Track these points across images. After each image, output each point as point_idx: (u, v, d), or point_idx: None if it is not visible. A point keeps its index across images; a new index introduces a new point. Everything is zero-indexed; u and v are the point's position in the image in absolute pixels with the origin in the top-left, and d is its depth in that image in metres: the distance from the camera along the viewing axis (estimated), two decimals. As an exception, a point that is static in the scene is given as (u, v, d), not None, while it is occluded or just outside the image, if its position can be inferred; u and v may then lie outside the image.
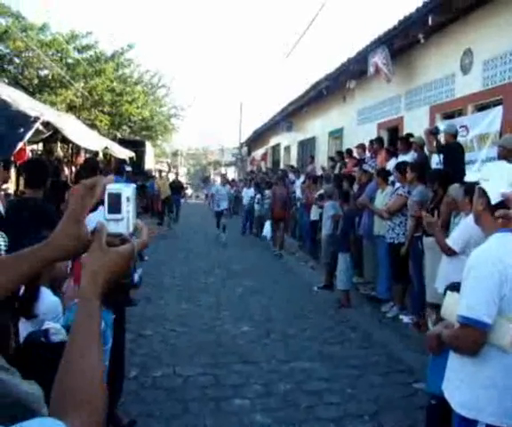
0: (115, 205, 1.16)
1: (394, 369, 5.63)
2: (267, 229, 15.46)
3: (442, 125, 8.22)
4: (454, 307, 2.42)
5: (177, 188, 20.73)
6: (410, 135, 9.29)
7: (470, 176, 6.61)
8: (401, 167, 7.74)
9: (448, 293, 2.67)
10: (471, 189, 4.65)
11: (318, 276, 10.08)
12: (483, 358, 2.27)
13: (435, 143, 7.52)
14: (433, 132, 7.63)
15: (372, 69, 10.54)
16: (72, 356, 0.98)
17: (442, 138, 7.70)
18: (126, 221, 1.16)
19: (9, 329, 2.02)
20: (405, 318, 7.15)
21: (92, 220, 1.18)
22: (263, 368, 5.59)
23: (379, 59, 10.09)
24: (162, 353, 5.97)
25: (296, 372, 5.51)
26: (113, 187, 1.16)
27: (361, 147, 11.72)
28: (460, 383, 2.38)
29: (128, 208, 1.16)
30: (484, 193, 2.39)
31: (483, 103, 8.43)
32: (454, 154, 7.28)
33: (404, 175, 7.49)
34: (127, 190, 1.16)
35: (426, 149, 8.32)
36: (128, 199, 1.16)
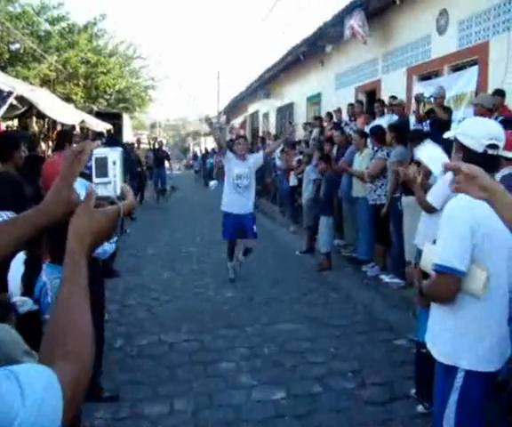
0: (102, 168, 1.19)
1: (375, 328, 5.75)
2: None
3: (429, 90, 8.20)
4: (430, 258, 2.49)
5: (161, 158, 18.07)
6: (392, 97, 9.30)
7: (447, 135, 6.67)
8: (376, 131, 7.78)
9: (426, 244, 2.74)
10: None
11: (299, 240, 10.16)
12: (459, 306, 2.37)
13: (421, 110, 7.59)
14: (418, 98, 7.67)
15: (348, 33, 10.51)
16: (60, 309, 1.01)
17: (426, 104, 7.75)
18: (113, 184, 1.19)
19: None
20: (386, 278, 7.27)
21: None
22: (248, 332, 5.67)
23: (355, 21, 10.06)
24: (146, 322, 6.01)
25: (280, 334, 5.60)
26: (99, 151, 1.19)
27: (338, 111, 11.75)
28: (440, 333, 2.49)
29: (115, 172, 1.19)
30: (461, 147, 2.45)
31: (458, 64, 8.49)
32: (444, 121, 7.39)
33: (379, 139, 7.54)
34: (113, 154, 1.20)
35: (411, 114, 8.41)
36: (114, 163, 1.19)
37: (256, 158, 7.95)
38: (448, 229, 2.36)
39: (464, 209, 2.31)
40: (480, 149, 2.32)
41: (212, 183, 20.55)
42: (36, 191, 4.57)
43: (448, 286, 2.35)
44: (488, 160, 2.30)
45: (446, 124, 7.39)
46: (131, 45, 25.82)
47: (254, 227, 7.70)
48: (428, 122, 7.67)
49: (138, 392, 4.27)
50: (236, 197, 7.69)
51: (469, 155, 2.35)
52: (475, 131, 2.40)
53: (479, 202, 2.29)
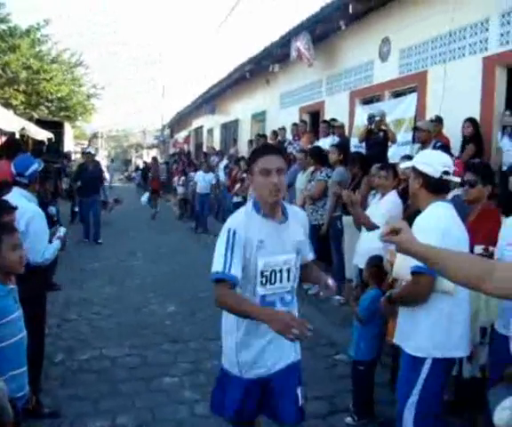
0: None
1: (317, 343, 5.85)
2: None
3: (373, 111, 8.48)
4: (404, 264, 2.82)
5: (92, 180, 12.03)
6: (333, 120, 9.60)
7: (404, 165, 6.98)
8: (315, 152, 7.98)
9: (398, 255, 2.99)
10: (391, 168, 5.30)
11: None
12: (430, 303, 2.75)
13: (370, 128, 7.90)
14: (371, 119, 7.97)
15: (294, 54, 10.76)
16: None
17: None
18: None
19: None
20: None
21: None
22: (191, 347, 5.69)
23: (301, 44, 10.32)
24: (88, 336, 5.91)
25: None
26: None
27: (283, 129, 11.97)
28: (412, 330, 2.84)
29: None
30: (419, 174, 2.90)
31: (399, 90, 8.87)
32: (381, 141, 7.72)
33: (318, 160, 7.75)
34: None
35: (353, 136, 8.72)
36: None
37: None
38: (423, 235, 2.56)
39: (434, 218, 2.77)
40: (437, 175, 2.85)
41: (144, 198, 19.75)
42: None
43: (425, 286, 2.72)
44: (443, 184, 2.89)
45: (383, 146, 7.73)
46: (75, 53, 25.40)
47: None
48: (363, 144, 8.00)
49: (79, 408, 4.20)
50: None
51: (428, 180, 2.88)
52: (432, 160, 2.92)
53: (444, 214, 2.81)
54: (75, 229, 12.27)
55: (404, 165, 3.36)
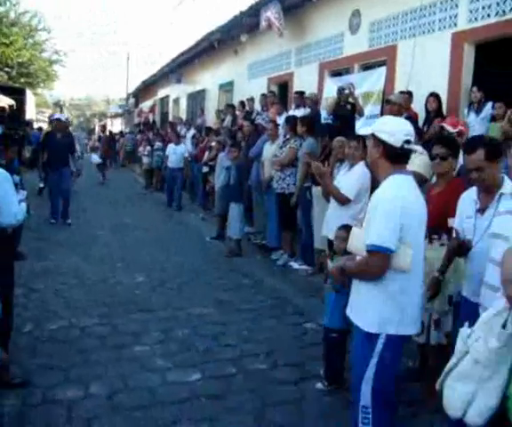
0: None
1: (285, 312, 5.96)
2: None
3: (342, 84, 8.49)
4: (360, 240, 2.78)
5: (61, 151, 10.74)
6: (302, 93, 9.60)
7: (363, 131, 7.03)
8: (291, 120, 8.00)
9: (354, 229, 3.03)
10: (361, 139, 5.14)
11: (210, 226, 10.25)
12: (384, 280, 2.70)
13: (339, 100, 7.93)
14: (340, 91, 7.97)
15: (264, 24, 10.68)
16: None
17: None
18: None
19: None
20: (295, 265, 7.54)
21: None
22: (160, 316, 5.68)
23: (271, 13, 10.24)
24: (56, 306, 5.84)
25: (192, 318, 5.66)
26: None
27: (251, 100, 11.91)
28: (366, 305, 2.80)
29: None
30: (380, 142, 2.78)
31: (368, 63, 8.91)
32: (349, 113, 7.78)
33: (294, 128, 7.76)
34: None
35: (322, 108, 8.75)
36: None
37: None
38: (380, 213, 2.66)
39: (393, 195, 2.68)
40: (398, 144, 2.73)
41: (94, 157, 19.76)
42: None
43: (381, 264, 2.67)
44: (404, 153, 2.77)
45: (350, 119, 7.79)
46: (35, 15, 24.57)
47: None
48: (331, 116, 8.05)
49: (50, 377, 4.16)
50: None
51: (388, 149, 2.75)
52: (393, 128, 2.78)
53: (404, 189, 2.71)
54: (41, 205, 11.45)
55: (362, 130, 3.16)
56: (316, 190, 6.61)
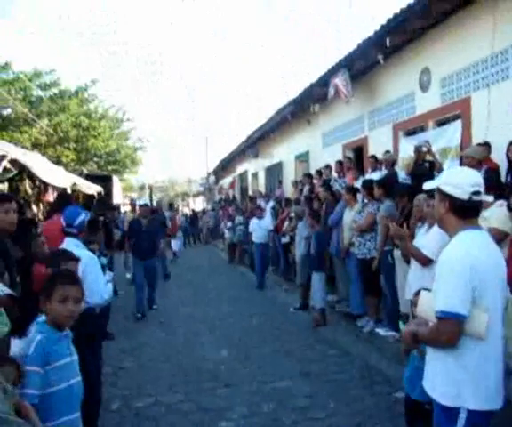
0: None
1: (374, 381, 5.72)
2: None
3: (418, 142, 8.36)
4: (429, 305, 2.57)
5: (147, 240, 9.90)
6: (387, 152, 9.52)
7: (428, 185, 6.82)
8: (367, 184, 7.93)
9: (422, 292, 2.82)
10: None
11: (293, 297, 10.16)
12: (460, 348, 2.44)
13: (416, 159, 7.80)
14: (418, 149, 7.85)
15: (332, 91, 10.83)
16: None
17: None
18: None
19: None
20: (381, 331, 7.27)
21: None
22: (245, 390, 5.62)
23: (339, 80, 10.39)
24: (143, 383, 5.94)
25: (278, 391, 5.55)
26: None
27: (327, 168, 11.96)
28: (441, 375, 2.53)
29: None
30: (445, 196, 2.60)
31: (442, 118, 8.75)
32: (427, 171, 7.60)
33: (371, 192, 7.67)
34: None
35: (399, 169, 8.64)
36: None
37: None
38: (447, 274, 2.45)
39: (461, 254, 2.44)
40: (465, 197, 2.52)
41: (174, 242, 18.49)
42: (25, 253, 4.60)
43: (452, 331, 2.42)
44: (472, 206, 2.55)
45: (429, 177, 7.58)
46: (120, 109, 26.37)
47: None
48: (409, 176, 7.88)
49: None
50: None
51: (455, 202, 2.55)
52: (459, 180, 2.59)
53: (474, 246, 2.47)
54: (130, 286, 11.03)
55: (427, 185, 2.89)
56: (398, 253, 6.41)
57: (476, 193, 2.53)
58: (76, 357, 2.95)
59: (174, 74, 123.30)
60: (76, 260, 3.79)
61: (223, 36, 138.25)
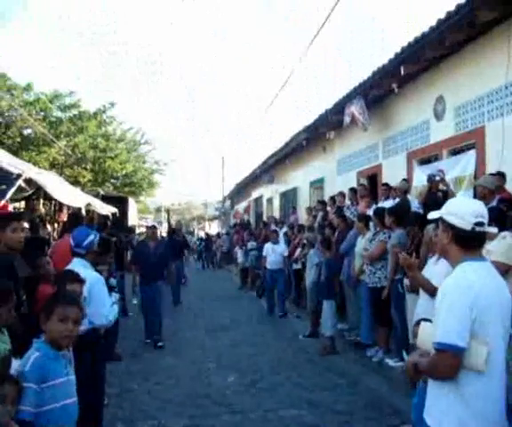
0: None
1: (382, 413, 5.61)
2: None
3: (432, 171, 8.30)
4: (429, 336, 2.52)
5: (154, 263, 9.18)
6: (405, 180, 9.46)
7: (431, 215, 6.74)
8: (379, 213, 7.88)
9: (422, 323, 2.77)
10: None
11: (304, 324, 10.07)
12: (460, 381, 2.37)
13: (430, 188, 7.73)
14: (431, 179, 7.78)
15: (348, 119, 10.84)
16: None
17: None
18: None
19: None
20: (390, 362, 7.15)
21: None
22: (251, 418, 5.55)
23: (355, 108, 10.40)
24: (148, 407, 5.90)
25: (284, 420, 5.47)
26: None
27: (341, 195, 11.92)
28: (441, 409, 2.46)
29: None
30: (448, 226, 2.57)
31: (457, 147, 8.70)
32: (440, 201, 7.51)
33: (383, 221, 7.62)
34: None
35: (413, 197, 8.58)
36: None
37: None
38: (446, 306, 2.39)
39: (461, 285, 2.40)
40: (468, 227, 2.48)
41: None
42: (35, 272, 4.63)
43: (450, 363, 2.36)
44: (475, 237, 2.51)
45: (442, 206, 7.49)
46: (138, 131, 26.71)
47: None
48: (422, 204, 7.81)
49: None
50: None
51: (458, 233, 2.52)
52: (462, 210, 2.55)
53: (475, 278, 2.41)
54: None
55: (431, 215, 2.82)
56: (408, 282, 6.33)
57: (480, 224, 2.49)
58: (73, 377, 2.94)
59: (174, 74, 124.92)
60: (81, 281, 3.80)
61: (223, 36, 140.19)
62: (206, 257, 28.81)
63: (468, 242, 2.52)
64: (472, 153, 8.07)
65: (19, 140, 19.54)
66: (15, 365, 2.87)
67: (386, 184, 9.74)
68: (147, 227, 10.57)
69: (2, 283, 3.28)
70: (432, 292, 5.03)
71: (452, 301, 2.38)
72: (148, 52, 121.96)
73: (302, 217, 15.89)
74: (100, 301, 4.27)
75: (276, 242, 12.44)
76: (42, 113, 20.12)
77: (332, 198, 12.57)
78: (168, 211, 27.56)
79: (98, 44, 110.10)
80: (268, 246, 12.53)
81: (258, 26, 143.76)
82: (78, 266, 4.38)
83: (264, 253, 12.64)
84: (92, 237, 4.67)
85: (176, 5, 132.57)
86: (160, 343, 8.78)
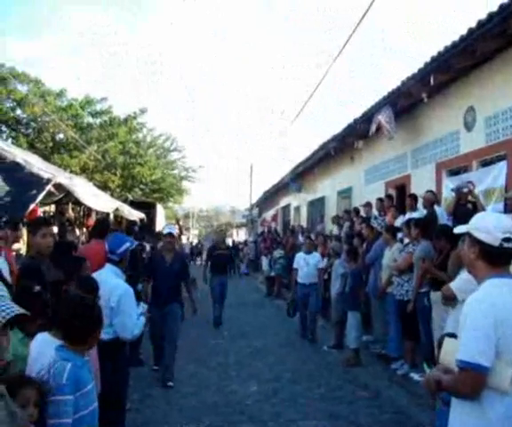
0: None
1: (405, 427, 5.51)
2: None
3: (459, 183, 8.15)
4: (452, 352, 2.44)
5: (170, 280, 7.43)
6: (431, 191, 9.30)
7: (458, 230, 6.60)
8: (409, 224, 7.76)
9: (446, 339, 2.69)
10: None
11: (328, 335, 9.97)
12: (483, 401, 2.29)
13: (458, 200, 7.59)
14: (459, 190, 7.63)
15: (373, 127, 10.74)
16: None
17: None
18: None
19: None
20: (416, 376, 7.01)
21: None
22: (270, 428, 5.50)
23: (382, 117, 10.29)
24: (169, 413, 5.91)
25: (304, 431, 5.41)
26: None
27: (368, 205, 11.80)
28: None
29: None
30: (475, 241, 2.48)
31: (487, 159, 8.52)
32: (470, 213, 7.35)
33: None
34: None
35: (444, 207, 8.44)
36: None
37: None
38: (471, 323, 2.32)
39: (486, 303, 2.32)
40: (496, 243, 2.39)
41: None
42: (65, 276, 4.67)
43: (472, 383, 2.28)
44: (504, 252, 2.41)
45: (471, 218, 7.32)
46: (168, 138, 26.96)
47: None
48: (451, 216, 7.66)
49: None
50: None
51: (485, 248, 2.43)
52: (489, 225, 2.46)
53: (501, 296, 2.34)
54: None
55: (458, 229, 2.76)
56: (435, 295, 6.21)
57: (508, 240, 2.40)
58: (94, 382, 2.96)
59: (174, 74, 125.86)
60: (93, 292, 3.70)
61: (223, 36, 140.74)
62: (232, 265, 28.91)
63: (496, 258, 2.44)
64: (503, 164, 7.89)
65: (51, 144, 19.93)
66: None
67: (412, 195, 9.60)
68: (163, 235, 8.23)
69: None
70: (446, 293, 4.91)
71: (476, 318, 2.31)
72: (148, 52, 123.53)
73: (328, 226, 15.79)
74: (128, 313, 4.24)
75: (309, 252, 10.63)
76: (73, 119, 20.47)
77: (355, 209, 12.46)
78: (177, 220, 27.36)
79: (98, 44, 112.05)
80: (299, 257, 10.68)
81: (258, 26, 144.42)
82: (110, 273, 4.41)
83: (295, 265, 10.73)
84: (128, 244, 4.66)
85: (176, 5, 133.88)
86: (170, 383, 6.94)
